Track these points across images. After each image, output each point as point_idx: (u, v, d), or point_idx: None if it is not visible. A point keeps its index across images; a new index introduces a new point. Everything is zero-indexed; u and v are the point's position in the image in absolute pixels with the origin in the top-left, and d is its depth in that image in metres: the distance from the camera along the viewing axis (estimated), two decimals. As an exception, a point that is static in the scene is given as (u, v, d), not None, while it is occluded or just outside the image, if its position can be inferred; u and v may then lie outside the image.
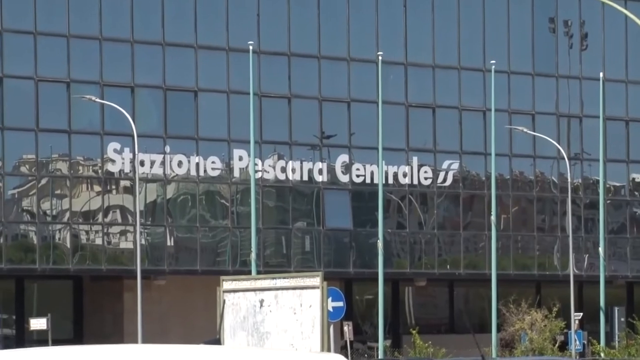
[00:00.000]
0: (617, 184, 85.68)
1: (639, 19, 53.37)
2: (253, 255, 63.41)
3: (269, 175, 74.79)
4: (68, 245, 71.42)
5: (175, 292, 69.58)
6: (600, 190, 73.72)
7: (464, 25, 79.51)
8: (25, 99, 69.78)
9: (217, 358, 9.77)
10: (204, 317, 49.20)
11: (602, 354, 64.95)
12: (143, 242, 69.34)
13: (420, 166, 78.94)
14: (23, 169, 71.50)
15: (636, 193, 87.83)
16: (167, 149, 71.80)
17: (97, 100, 66.34)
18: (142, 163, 69.07)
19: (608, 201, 79.64)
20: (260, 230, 70.97)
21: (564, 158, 76.43)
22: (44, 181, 70.65)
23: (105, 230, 72.18)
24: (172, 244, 73.70)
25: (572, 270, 73.37)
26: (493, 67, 71.16)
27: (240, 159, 72.51)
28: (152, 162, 71.30)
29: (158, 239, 73.56)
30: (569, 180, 76.11)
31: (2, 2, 68.33)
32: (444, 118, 79.52)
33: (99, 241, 72.10)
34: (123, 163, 70.34)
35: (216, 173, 74.05)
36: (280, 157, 75.03)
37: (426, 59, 77.91)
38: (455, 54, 78.88)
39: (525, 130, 74.32)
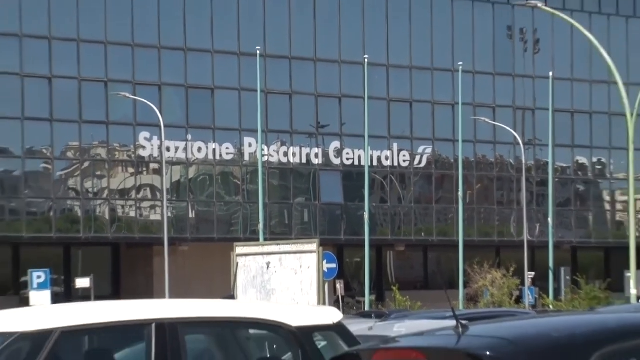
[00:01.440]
0: (564, 165, 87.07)
1: (583, 27, 55.37)
2: (261, 226, 65.01)
3: (274, 159, 76.82)
4: (107, 217, 73.99)
5: (197, 257, 70.75)
6: (550, 171, 75.45)
7: (436, 32, 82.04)
8: (70, 96, 70.59)
9: (236, 308, 11.29)
10: (221, 277, 49.73)
11: (550, 306, 64.36)
12: (169, 214, 71.34)
13: (399, 151, 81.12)
14: (69, 154, 73.48)
15: (579, 173, 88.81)
16: (189, 137, 73.94)
17: (130, 96, 68.77)
18: (168, 149, 70.87)
19: (556, 179, 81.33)
20: (267, 205, 72.13)
21: (519, 144, 77.64)
22: (86, 164, 73.21)
23: (137, 205, 74.90)
24: (194, 216, 76.23)
25: (525, 237, 74.20)
26: (460, 67, 73.15)
27: (250, 145, 74.78)
28: (177, 148, 73.40)
29: (182, 212, 75.77)
30: (524, 162, 77.91)
31: (50, 14, 69.46)
32: (419, 111, 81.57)
33: (132, 214, 75.00)
34: (152, 149, 73.03)
35: (230, 157, 76.24)
36: (283, 144, 77.27)
37: (404, 61, 79.59)
38: (428, 57, 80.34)
39: (487, 120, 75.79)
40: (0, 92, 68.37)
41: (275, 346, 10.76)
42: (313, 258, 30.76)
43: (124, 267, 76.80)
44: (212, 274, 60.73)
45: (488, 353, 5.72)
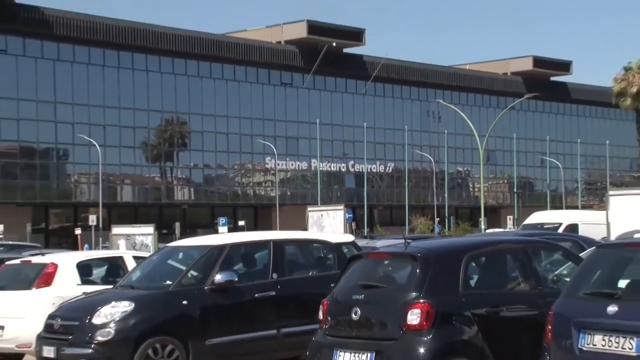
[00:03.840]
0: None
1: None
2: (318, 198, 79.57)
3: (334, 169, 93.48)
4: (266, 191, 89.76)
5: (292, 214, 76.03)
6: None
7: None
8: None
9: (308, 234, 20.59)
10: (302, 224, 44.15)
11: (446, 232, 76.85)
12: (279, 192, 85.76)
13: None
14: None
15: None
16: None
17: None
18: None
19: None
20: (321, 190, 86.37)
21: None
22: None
23: (269, 186, 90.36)
24: (294, 192, 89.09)
25: (435, 202, 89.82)
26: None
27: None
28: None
29: (291, 191, 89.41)
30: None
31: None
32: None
33: (262, 192, 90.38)
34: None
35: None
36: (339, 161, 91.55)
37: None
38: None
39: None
40: None
41: (325, 251, 16.02)
42: (340, 213, 37.90)
43: (260, 219, 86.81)
44: (300, 221, 53.06)
45: (418, 254, 10.53)
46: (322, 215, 40.13)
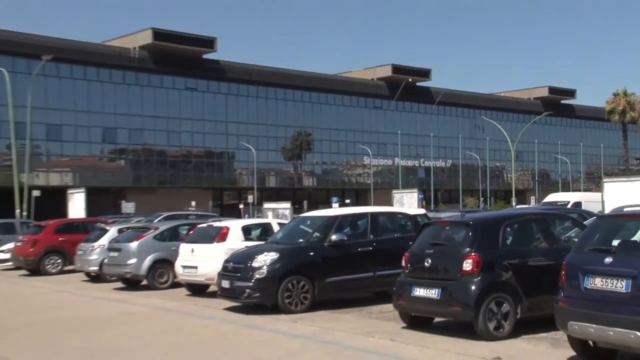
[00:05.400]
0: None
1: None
2: (400, 186, 75.18)
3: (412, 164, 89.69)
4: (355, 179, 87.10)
5: (381, 196, 70.01)
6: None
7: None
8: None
9: (393, 208, 18.89)
10: (389, 202, 42.28)
11: (488, 208, 69.25)
12: (378, 180, 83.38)
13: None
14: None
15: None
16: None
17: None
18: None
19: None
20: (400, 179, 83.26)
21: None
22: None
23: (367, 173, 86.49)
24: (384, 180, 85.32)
25: (487, 186, 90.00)
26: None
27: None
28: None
29: (385, 180, 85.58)
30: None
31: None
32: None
33: (364, 179, 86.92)
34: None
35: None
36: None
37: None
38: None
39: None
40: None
41: (406, 220, 15.40)
42: (415, 194, 39.42)
43: (360, 199, 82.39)
44: (387, 200, 47.85)
45: (471, 222, 10.56)
46: (402, 196, 41.72)
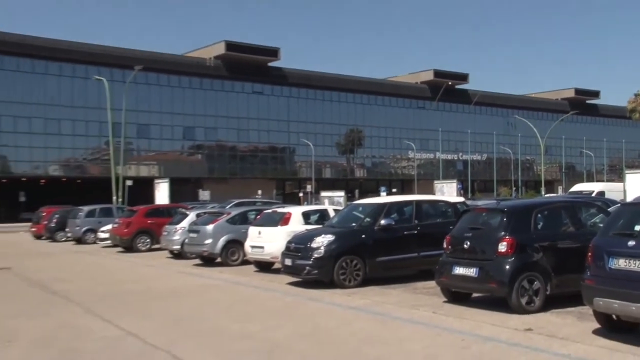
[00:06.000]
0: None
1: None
2: (440, 177, 73.16)
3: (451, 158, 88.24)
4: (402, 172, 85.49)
5: (425, 187, 70.18)
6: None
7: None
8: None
9: (436, 197, 18.30)
10: (431, 192, 42.50)
11: (520, 196, 68.19)
12: (421, 172, 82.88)
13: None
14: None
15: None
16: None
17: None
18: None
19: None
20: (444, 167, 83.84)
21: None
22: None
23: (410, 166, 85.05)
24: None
25: (520, 177, 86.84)
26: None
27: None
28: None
29: (428, 171, 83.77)
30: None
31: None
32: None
33: (408, 171, 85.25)
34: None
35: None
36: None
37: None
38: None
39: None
40: None
41: (446, 207, 14.97)
42: (454, 184, 39.55)
43: (405, 188, 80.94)
44: (430, 189, 50.12)
45: (505, 209, 10.33)
46: (443, 185, 41.43)
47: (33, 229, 34.59)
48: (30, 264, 20.37)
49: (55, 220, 32.31)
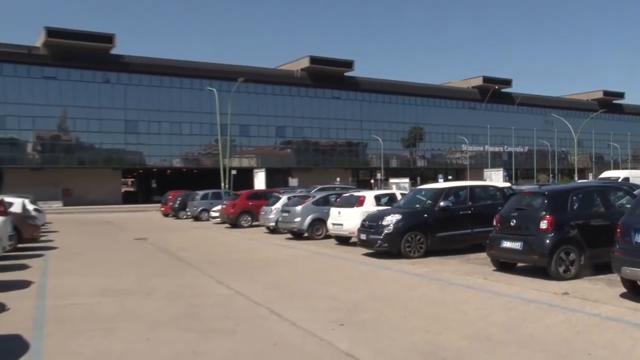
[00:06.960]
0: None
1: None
2: (489, 166, 69.42)
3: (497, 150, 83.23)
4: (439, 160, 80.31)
5: (475, 175, 67.75)
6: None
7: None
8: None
9: (487, 183, 15.89)
10: (480, 179, 42.14)
11: (557, 182, 63.72)
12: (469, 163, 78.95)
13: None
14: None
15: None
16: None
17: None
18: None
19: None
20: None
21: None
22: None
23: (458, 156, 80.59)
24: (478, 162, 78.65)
25: (556, 166, 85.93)
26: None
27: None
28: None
29: (477, 162, 79.01)
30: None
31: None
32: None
33: (463, 160, 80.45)
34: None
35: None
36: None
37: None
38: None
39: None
40: None
41: (495, 191, 14.17)
42: (500, 172, 40.12)
43: (459, 175, 76.02)
44: (480, 176, 52.42)
45: (546, 192, 9.91)
46: (491, 173, 41.54)
47: (162, 209, 35.43)
48: (160, 236, 20.71)
49: (178, 202, 32.86)
